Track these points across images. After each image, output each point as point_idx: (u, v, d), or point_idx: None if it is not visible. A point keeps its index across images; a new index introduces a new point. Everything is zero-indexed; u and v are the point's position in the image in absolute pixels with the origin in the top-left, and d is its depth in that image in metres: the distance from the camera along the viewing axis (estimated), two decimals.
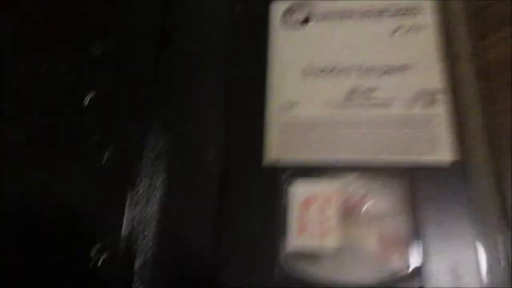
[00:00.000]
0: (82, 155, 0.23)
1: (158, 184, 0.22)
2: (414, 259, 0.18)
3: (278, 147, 0.20)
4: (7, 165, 0.23)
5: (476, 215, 0.19)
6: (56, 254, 0.21)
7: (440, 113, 0.20)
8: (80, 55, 0.25)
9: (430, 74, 0.21)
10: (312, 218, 0.19)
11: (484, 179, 0.20)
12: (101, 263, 0.20)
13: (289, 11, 0.23)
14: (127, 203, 0.22)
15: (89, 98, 0.24)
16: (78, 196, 0.22)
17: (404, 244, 0.19)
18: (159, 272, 0.20)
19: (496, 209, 0.19)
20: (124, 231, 0.21)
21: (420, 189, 0.19)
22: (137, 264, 0.21)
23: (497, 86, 0.24)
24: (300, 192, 0.19)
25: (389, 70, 0.21)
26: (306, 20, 0.23)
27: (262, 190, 0.20)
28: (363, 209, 0.20)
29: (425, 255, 0.18)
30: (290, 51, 0.22)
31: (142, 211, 0.22)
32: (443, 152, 0.20)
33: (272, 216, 0.19)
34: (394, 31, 0.22)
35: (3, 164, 0.23)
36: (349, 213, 0.20)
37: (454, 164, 0.20)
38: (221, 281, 0.19)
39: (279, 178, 0.20)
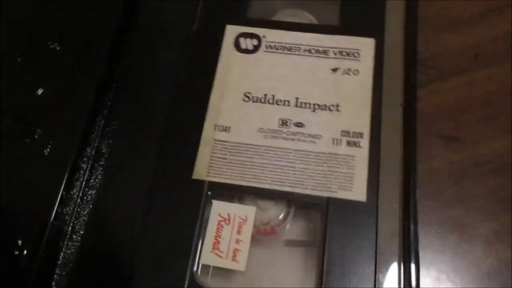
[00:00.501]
0: (22, 148, 0.24)
1: (92, 183, 0.23)
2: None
3: (206, 165, 0.22)
4: None
5: (380, 251, 0.21)
6: None
7: (360, 154, 0.22)
8: (35, 52, 0.26)
9: (358, 116, 0.22)
10: (226, 237, 0.20)
11: (393, 220, 0.21)
12: (25, 256, 0.21)
13: (241, 36, 0.25)
14: (59, 199, 0.23)
15: (39, 92, 0.25)
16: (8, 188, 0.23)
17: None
18: (80, 270, 0.22)
19: (400, 253, 0.21)
20: (50, 227, 0.22)
21: (333, 223, 0.21)
22: (61, 259, 0.22)
23: (427, 137, 0.26)
24: (219, 209, 0.21)
25: (321, 107, 0.23)
26: (255, 48, 0.24)
27: (188, 201, 0.21)
28: (276, 234, 0.21)
29: (328, 278, 0.20)
30: (236, 75, 0.24)
31: (73, 208, 0.23)
32: (358, 191, 0.21)
33: (192, 227, 0.21)
34: (334, 71, 0.24)
35: None
36: (262, 235, 0.21)
37: (366, 203, 0.21)
38: (137, 283, 0.20)
39: (204, 193, 0.21)
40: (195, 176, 0.22)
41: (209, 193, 0.21)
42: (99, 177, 0.24)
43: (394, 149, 0.22)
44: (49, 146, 0.24)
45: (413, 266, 0.21)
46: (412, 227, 0.21)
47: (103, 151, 0.24)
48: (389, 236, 0.21)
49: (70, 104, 0.25)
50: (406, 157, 0.22)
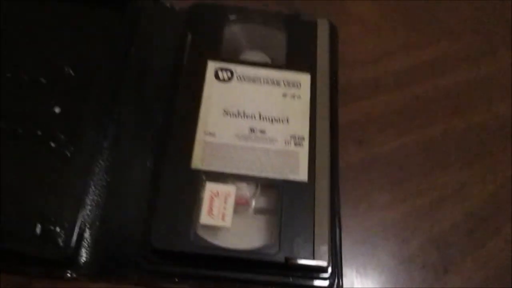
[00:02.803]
0: (48, 154, 0.32)
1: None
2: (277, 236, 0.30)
3: (200, 159, 0.32)
4: None
5: (316, 215, 0.32)
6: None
7: (303, 151, 0.33)
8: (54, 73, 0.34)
9: (300, 126, 0.34)
10: (216, 206, 0.30)
11: (324, 193, 0.32)
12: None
13: (219, 70, 0.35)
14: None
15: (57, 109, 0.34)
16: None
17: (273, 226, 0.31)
18: (103, 234, 0.30)
19: (329, 214, 0.32)
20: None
21: (286, 197, 0.32)
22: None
23: (344, 140, 0.38)
24: (210, 188, 0.31)
25: (276, 120, 0.34)
26: (229, 78, 0.35)
27: (188, 184, 0.31)
28: (248, 205, 0.32)
29: (283, 234, 0.30)
30: (216, 97, 0.34)
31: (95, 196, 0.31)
32: (302, 174, 0.32)
33: (193, 201, 0.30)
34: (284, 95, 0.35)
35: None
36: (239, 205, 0.31)
37: (307, 183, 0.32)
38: (151, 241, 0.29)
39: (200, 178, 0.31)
40: (193, 166, 0.31)
41: (203, 177, 0.31)
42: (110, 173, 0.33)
43: (324, 148, 0.34)
44: (71, 149, 0.33)
45: (337, 229, 0.32)
46: (336, 198, 0.33)
47: (113, 156, 0.33)
48: (322, 204, 0.32)
49: (84, 118, 0.33)
50: (332, 153, 0.34)
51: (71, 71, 0.35)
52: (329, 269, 0.30)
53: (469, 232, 0.35)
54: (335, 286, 0.30)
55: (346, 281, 0.32)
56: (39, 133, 0.33)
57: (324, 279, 0.30)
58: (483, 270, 0.34)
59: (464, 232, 0.35)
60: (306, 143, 0.33)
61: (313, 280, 0.30)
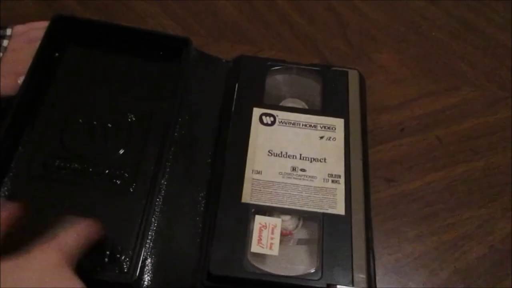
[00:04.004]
0: (114, 190, 0.36)
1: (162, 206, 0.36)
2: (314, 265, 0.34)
3: (249, 194, 0.36)
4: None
5: (353, 246, 0.35)
6: None
7: (340, 187, 0.37)
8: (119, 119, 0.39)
9: (337, 165, 0.38)
10: (265, 236, 0.34)
11: (359, 226, 0.36)
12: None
13: (263, 115, 0.40)
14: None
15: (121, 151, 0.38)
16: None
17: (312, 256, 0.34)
18: (162, 261, 0.34)
19: (365, 245, 0.35)
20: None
21: (326, 228, 0.35)
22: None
23: (376, 178, 0.41)
24: (259, 220, 0.35)
25: (314, 159, 0.38)
26: (272, 122, 0.39)
27: (239, 217, 0.35)
28: (292, 236, 0.35)
29: (324, 262, 0.33)
30: (261, 139, 0.38)
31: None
32: (340, 208, 0.36)
33: (244, 232, 0.34)
34: (321, 137, 0.39)
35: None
36: (283, 236, 0.35)
37: (344, 216, 0.36)
38: (208, 267, 0.33)
39: (249, 211, 0.35)
40: (243, 200, 0.35)
41: (252, 210, 0.35)
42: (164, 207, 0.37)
43: (358, 185, 0.37)
44: (134, 185, 0.37)
45: (371, 259, 0.35)
46: (369, 230, 0.36)
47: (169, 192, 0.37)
48: (358, 235, 0.35)
49: (144, 158, 0.38)
50: (365, 190, 0.38)
51: (132, 117, 0.40)
52: None
53: (493, 264, 0.38)
54: None
55: None
56: (107, 171, 0.37)
57: None
58: None
59: (489, 264, 0.38)
60: (342, 181, 0.37)
61: None
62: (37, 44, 0.39)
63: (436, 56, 0.50)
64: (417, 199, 0.41)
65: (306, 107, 0.41)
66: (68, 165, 0.37)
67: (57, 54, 0.41)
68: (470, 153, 0.44)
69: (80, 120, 0.39)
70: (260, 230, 0.34)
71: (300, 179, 0.37)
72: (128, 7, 0.50)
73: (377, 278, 0.35)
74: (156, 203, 0.36)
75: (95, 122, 0.39)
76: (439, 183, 0.42)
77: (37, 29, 0.41)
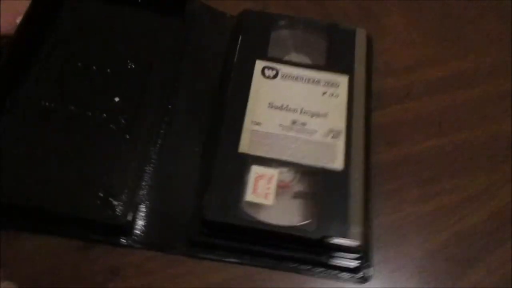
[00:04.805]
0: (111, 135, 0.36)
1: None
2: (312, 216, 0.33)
3: (247, 144, 0.35)
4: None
5: (350, 201, 0.34)
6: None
7: (339, 143, 0.36)
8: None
9: (338, 121, 0.37)
10: (260, 186, 0.33)
11: (358, 181, 0.35)
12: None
13: (265, 68, 0.39)
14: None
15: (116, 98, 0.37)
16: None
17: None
18: (157, 208, 0.33)
19: (362, 201, 0.35)
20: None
21: (323, 182, 0.34)
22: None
23: (376, 139, 0.40)
24: (256, 170, 0.34)
25: (316, 114, 0.37)
26: (275, 76, 0.38)
27: (236, 166, 0.34)
28: (288, 188, 0.35)
29: (320, 215, 0.33)
30: (263, 92, 0.37)
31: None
32: (338, 163, 0.35)
33: (240, 181, 0.33)
34: (323, 93, 0.38)
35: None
36: (280, 188, 0.34)
37: (343, 171, 0.35)
38: (202, 213, 0.32)
39: (247, 161, 0.34)
40: (241, 150, 0.35)
41: (249, 160, 0.34)
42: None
43: (359, 142, 0.37)
44: (130, 131, 0.36)
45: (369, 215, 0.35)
46: (368, 188, 0.35)
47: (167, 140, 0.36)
48: (355, 191, 0.35)
49: (143, 106, 0.37)
50: (365, 147, 0.37)
51: (132, 65, 0.40)
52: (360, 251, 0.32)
53: (493, 230, 0.37)
54: (364, 267, 0.33)
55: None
56: (104, 115, 0.36)
57: (355, 259, 0.33)
58: (504, 267, 0.36)
59: (488, 230, 0.37)
60: (342, 137, 0.36)
61: (344, 260, 0.33)
62: None
63: (447, 20, 0.49)
64: (419, 162, 0.40)
65: (309, 62, 0.40)
66: (64, 108, 0.36)
67: None
68: (476, 120, 0.43)
69: (79, 64, 0.38)
70: (257, 180, 0.34)
71: (300, 132, 0.36)
72: None
73: (373, 236, 0.35)
74: (153, 152, 0.36)
75: (94, 67, 0.38)
76: (442, 148, 0.41)
77: None
